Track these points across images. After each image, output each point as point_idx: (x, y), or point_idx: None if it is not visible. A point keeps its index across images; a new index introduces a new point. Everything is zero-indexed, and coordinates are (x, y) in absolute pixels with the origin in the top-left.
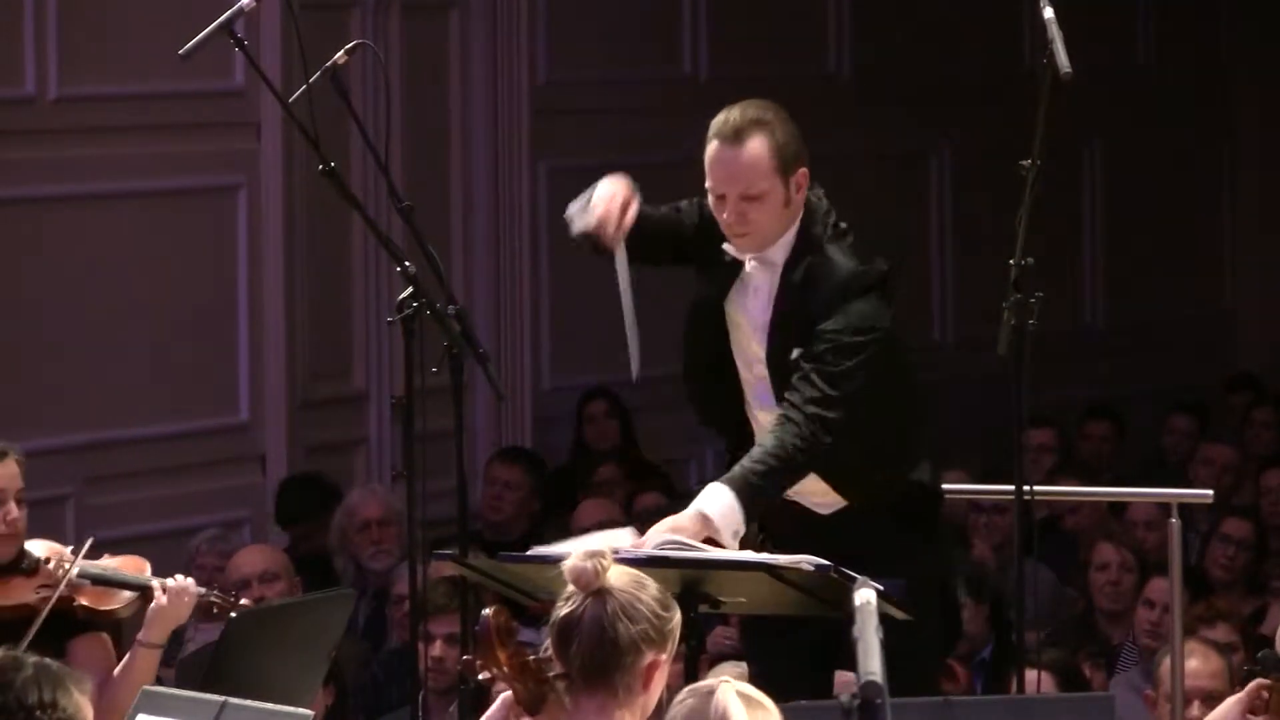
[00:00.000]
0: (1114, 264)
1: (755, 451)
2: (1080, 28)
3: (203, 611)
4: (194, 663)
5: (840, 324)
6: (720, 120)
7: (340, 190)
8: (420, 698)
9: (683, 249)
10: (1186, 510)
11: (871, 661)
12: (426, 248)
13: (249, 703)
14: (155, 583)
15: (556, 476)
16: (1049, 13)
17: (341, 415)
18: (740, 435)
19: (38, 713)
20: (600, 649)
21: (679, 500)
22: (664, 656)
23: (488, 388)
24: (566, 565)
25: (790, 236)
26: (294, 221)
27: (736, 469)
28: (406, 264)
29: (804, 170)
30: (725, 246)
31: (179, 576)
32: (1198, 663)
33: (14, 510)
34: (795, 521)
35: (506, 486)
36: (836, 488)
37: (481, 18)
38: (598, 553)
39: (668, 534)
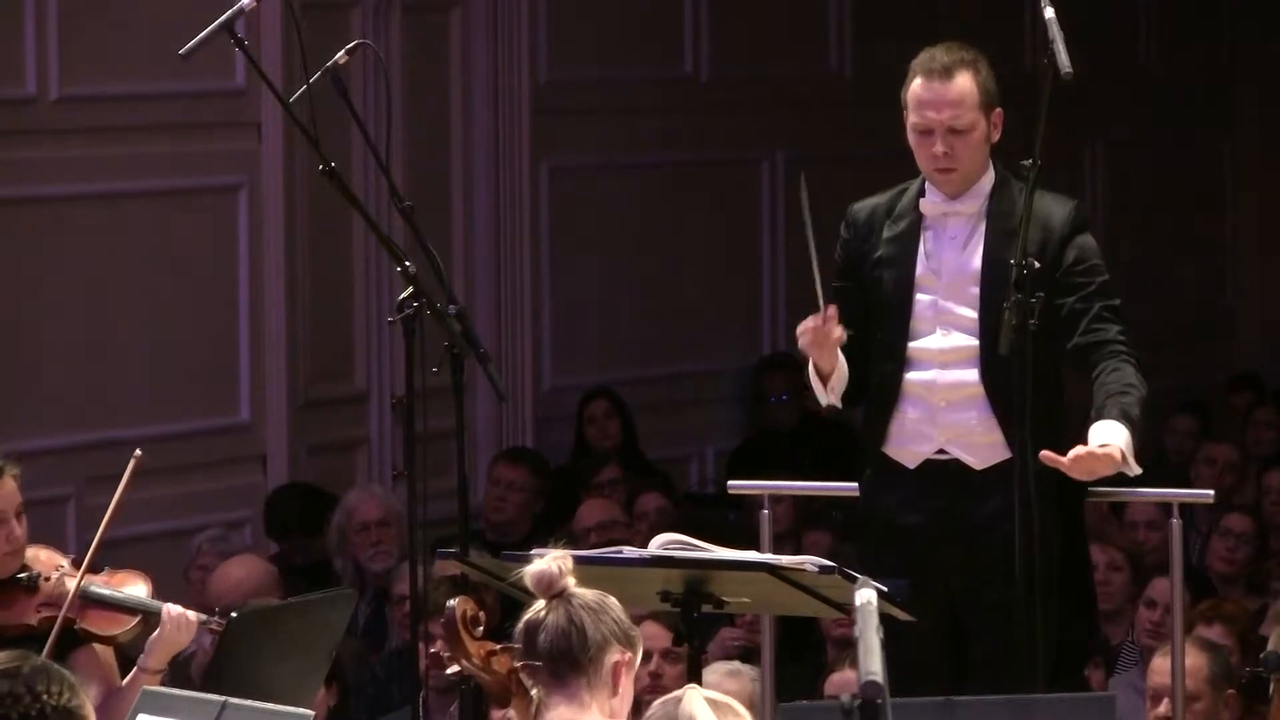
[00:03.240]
0: (1114, 264)
1: (1114, 385)
2: (1081, 27)
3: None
4: (183, 664)
5: (1092, 259)
6: (926, 58)
7: (341, 190)
8: (421, 697)
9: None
10: (1188, 511)
11: (872, 661)
12: (427, 247)
13: (249, 703)
14: (159, 608)
15: (557, 476)
16: (1050, 12)
17: (342, 415)
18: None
19: (45, 697)
20: (567, 639)
21: (680, 500)
22: (630, 656)
23: (488, 388)
24: (528, 570)
25: (989, 181)
26: (295, 221)
27: (1111, 405)
28: (407, 264)
29: (1000, 111)
30: (923, 202)
31: (177, 606)
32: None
33: (15, 529)
34: (946, 484)
35: (510, 487)
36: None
37: (482, 17)
38: (558, 556)
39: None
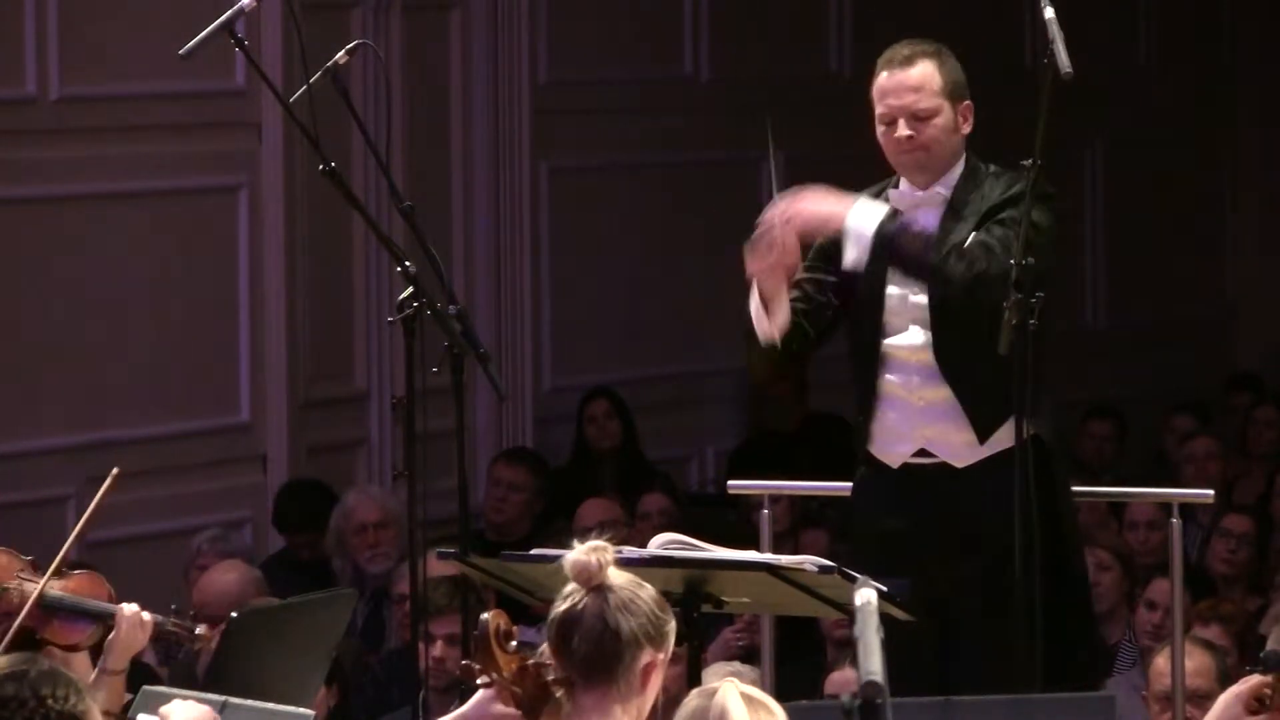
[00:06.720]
0: (1115, 264)
1: None
2: (1081, 28)
3: (164, 639)
4: (185, 664)
5: (1012, 204)
6: (889, 52)
7: (341, 190)
8: (421, 698)
9: (833, 289)
10: (1188, 509)
11: (872, 661)
12: (427, 247)
13: (250, 702)
14: (114, 609)
15: (558, 476)
16: (1049, 13)
17: (342, 415)
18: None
19: (49, 701)
20: (602, 642)
21: (681, 501)
22: (661, 657)
23: (488, 388)
24: (568, 559)
25: (958, 171)
26: (295, 221)
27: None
28: (407, 264)
29: (969, 104)
30: (892, 194)
31: (132, 605)
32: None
33: None
34: (932, 485)
35: (510, 487)
36: (973, 402)
37: (482, 17)
38: (599, 548)
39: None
